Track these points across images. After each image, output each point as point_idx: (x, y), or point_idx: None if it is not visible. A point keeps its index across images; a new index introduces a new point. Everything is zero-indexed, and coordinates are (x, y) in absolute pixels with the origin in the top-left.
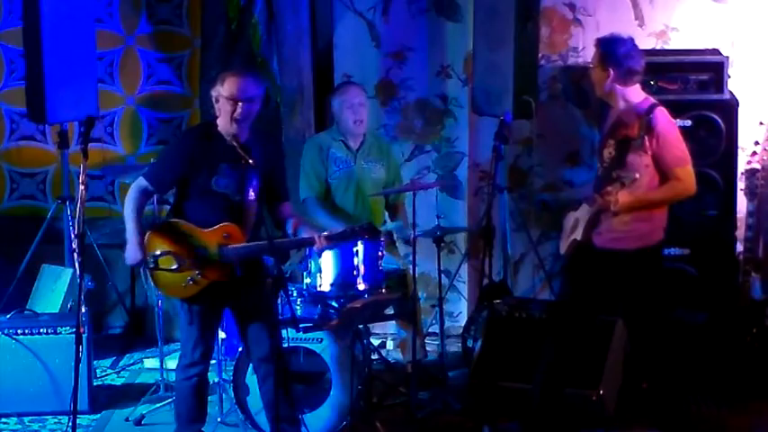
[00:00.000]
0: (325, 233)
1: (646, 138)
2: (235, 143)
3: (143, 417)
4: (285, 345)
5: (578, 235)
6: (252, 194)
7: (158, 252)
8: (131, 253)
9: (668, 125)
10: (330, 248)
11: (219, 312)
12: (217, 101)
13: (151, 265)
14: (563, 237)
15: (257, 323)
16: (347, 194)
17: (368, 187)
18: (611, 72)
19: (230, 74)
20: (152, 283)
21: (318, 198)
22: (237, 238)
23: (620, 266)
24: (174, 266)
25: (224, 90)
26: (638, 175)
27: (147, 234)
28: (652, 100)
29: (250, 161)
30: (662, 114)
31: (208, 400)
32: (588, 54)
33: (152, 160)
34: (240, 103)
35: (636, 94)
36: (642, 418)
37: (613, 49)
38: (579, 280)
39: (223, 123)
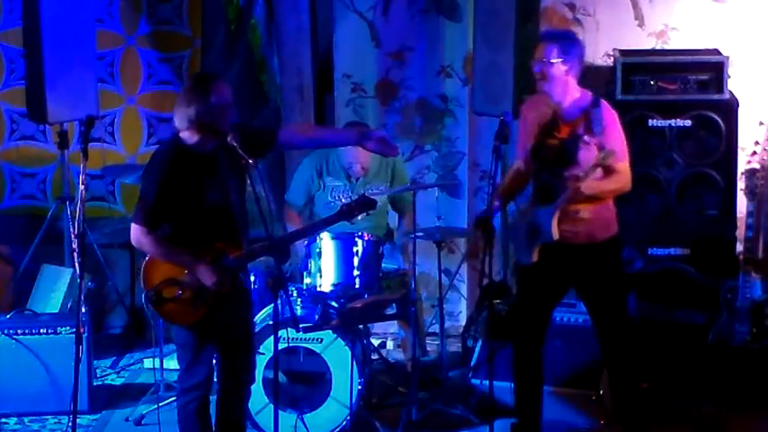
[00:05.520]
0: (324, 218)
1: (595, 130)
2: (235, 143)
3: (143, 417)
4: (285, 345)
5: (548, 237)
6: (235, 196)
7: (159, 282)
8: (209, 275)
9: (614, 119)
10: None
11: (227, 329)
12: (198, 116)
13: (154, 299)
14: (523, 247)
15: (240, 338)
16: (343, 225)
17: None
18: (571, 66)
19: (210, 82)
20: (161, 320)
21: (296, 208)
22: (234, 245)
23: (594, 258)
24: (178, 293)
25: (215, 99)
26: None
27: (143, 265)
28: (590, 93)
29: (250, 160)
30: (607, 107)
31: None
32: (588, 54)
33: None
34: (230, 108)
35: (575, 88)
36: (642, 418)
37: (573, 42)
38: (551, 277)
39: (203, 135)
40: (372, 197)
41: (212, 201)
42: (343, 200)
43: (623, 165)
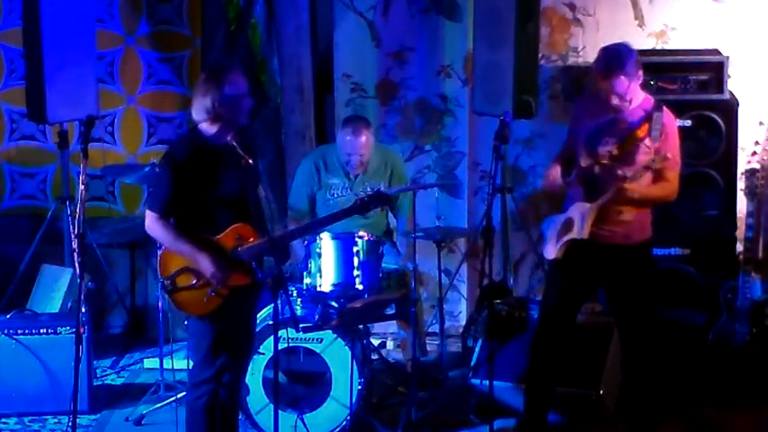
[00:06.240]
0: (337, 211)
1: (653, 135)
2: (234, 143)
3: (143, 417)
4: (285, 345)
5: (577, 234)
6: (251, 189)
7: (174, 271)
8: (208, 266)
9: (673, 125)
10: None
11: (238, 322)
12: (215, 106)
13: (169, 288)
14: (549, 241)
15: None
16: (342, 223)
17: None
18: (637, 78)
19: (225, 73)
20: (174, 307)
21: (300, 213)
22: (250, 237)
23: (628, 259)
24: (193, 282)
25: (229, 89)
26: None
27: (159, 254)
28: (651, 97)
29: (250, 161)
30: (668, 113)
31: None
32: (588, 54)
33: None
34: (246, 98)
35: (639, 92)
36: (642, 418)
37: (629, 56)
38: (581, 276)
39: (221, 126)
40: (382, 192)
41: (229, 192)
42: (342, 196)
43: (674, 174)
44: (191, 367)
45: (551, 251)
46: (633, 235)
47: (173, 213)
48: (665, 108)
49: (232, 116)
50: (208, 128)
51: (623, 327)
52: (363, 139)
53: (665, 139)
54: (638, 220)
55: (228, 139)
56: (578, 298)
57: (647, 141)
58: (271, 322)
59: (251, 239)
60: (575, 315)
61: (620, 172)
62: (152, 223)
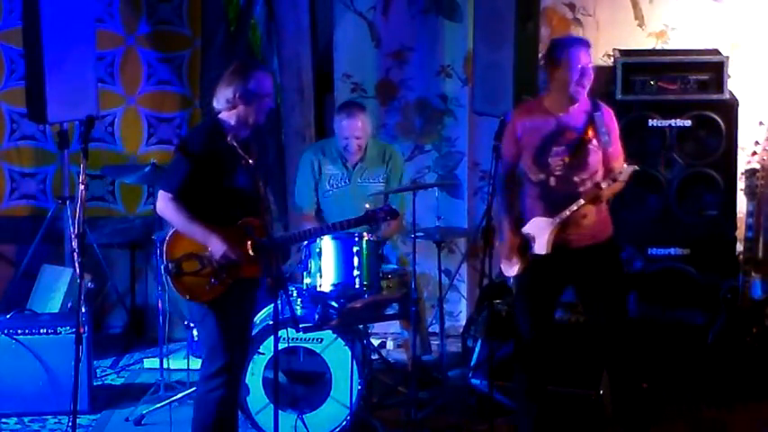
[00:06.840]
0: (346, 220)
1: (602, 139)
2: (235, 142)
3: (143, 417)
4: (285, 345)
5: (537, 250)
6: (262, 187)
7: (180, 255)
8: (219, 246)
9: (614, 121)
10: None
11: (239, 315)
12: (235, 98)
13: (174, 272)
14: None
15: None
16: (341, 214)
17: (363, 204)
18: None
19: (253, 69)
20: (175, 292)
21: (309, 209)
22: (260, 231)
23: (598, 257)
24: (198, 268)
25: (253, 86)
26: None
27: (166, 239)
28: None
29: (250, 161)
30: (608, 110)
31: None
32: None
33: (166, 164)
34: (268, 98)
35: None
36: (642, 419)
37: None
38: (548, 283)
39: (239, 121)
40: (392, 208)
41: (242, 184)
42: (340, 187)
43: (620, 161)
44: (201, 362)
45: (513, 269)
46: (599, 234)
47: (184, 194)
48: (602, 105)
49: (248, 112)
50: (228, 118)
51: (600, 326)
52: (359, 122)
53: (611, 138)
54: (600, 219)
55: (229, 138)
56: (550, 301)
57: (594, 142)
58: (271, 322)
59: (260, 234)
60: (551, 316)
61: (576, 179)
62: (165, 204)
